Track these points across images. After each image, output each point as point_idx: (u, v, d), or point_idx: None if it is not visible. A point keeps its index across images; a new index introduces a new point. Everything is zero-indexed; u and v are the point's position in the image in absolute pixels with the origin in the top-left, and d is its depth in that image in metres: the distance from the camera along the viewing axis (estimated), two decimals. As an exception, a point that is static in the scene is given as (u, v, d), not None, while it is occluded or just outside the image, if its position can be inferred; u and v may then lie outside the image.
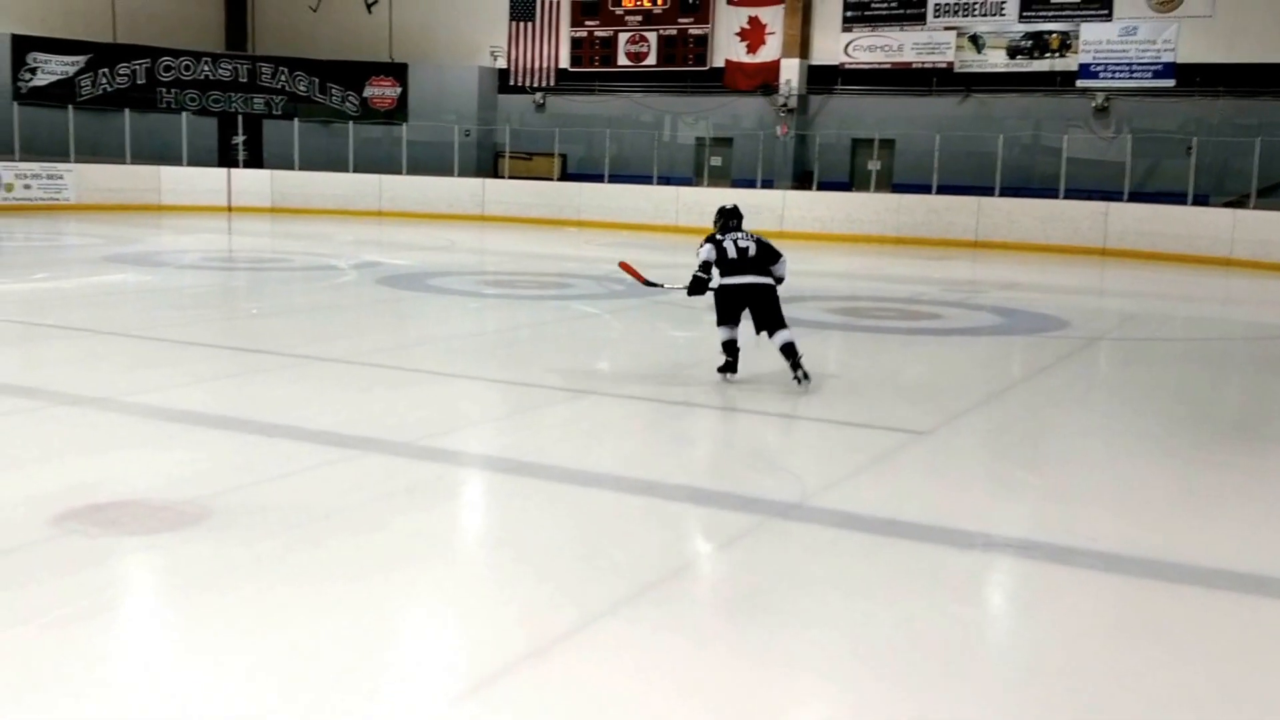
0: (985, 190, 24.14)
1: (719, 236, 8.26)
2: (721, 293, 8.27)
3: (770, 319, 8.20)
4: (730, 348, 8.33)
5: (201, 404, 7.20)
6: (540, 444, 6.57)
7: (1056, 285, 17.40)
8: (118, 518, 4.92)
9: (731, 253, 8.18)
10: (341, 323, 11.28)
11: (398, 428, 6.72)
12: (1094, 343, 11.54)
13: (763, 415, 7.59)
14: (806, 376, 8.05)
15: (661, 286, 9.45)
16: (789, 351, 8.06)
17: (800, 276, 17.95)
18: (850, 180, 26.72)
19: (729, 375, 8.33)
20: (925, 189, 24.67)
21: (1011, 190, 24.13)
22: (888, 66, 26.10)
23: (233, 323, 11.06)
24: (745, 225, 8.52)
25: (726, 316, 8.33)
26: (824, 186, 25.97)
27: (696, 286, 8.26)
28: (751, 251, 8.22)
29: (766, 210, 25.26)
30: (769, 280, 8.27)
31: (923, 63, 25.74)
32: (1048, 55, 24.66)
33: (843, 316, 12.54)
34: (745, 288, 8.19)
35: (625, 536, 4.97)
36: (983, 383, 9.04)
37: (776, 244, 8.63)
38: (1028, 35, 24.79)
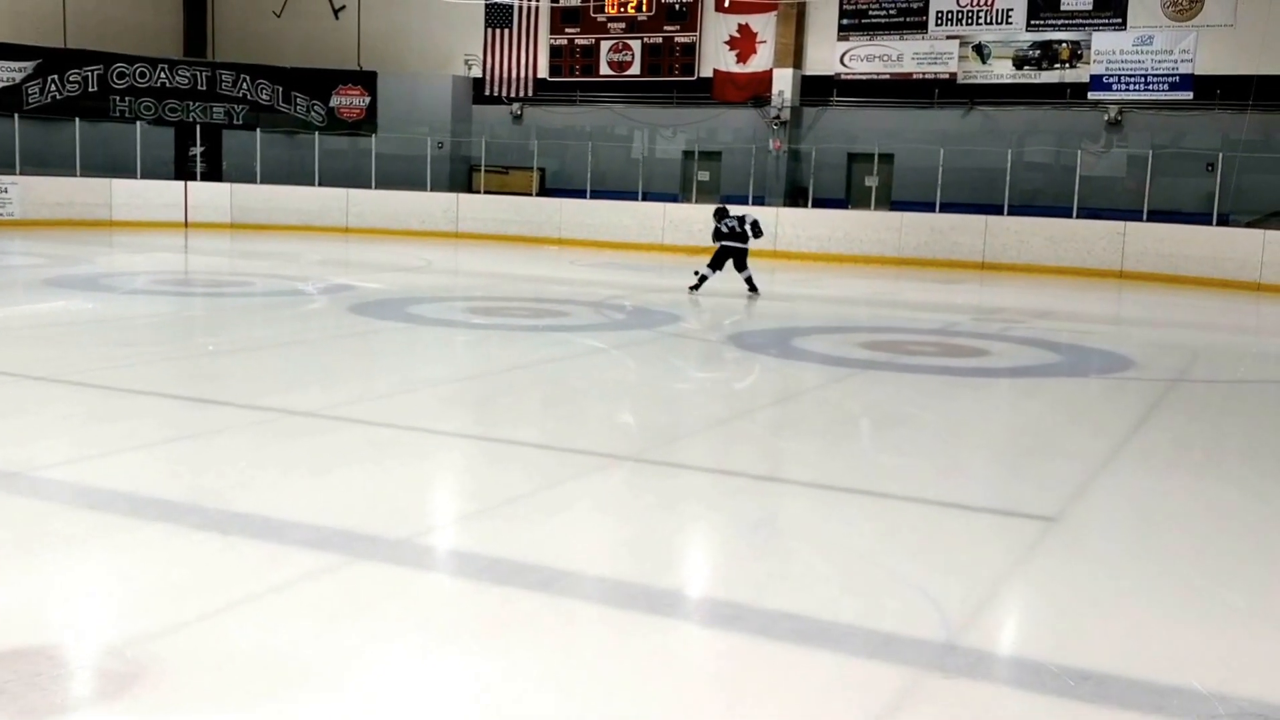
0: (992, 209, 22.82)
1: (718, 224, 15.64)
2: (721, 250, 15.60)
3: (741, 265, 15.59)
4: (704, 279, 15.46)
5: (142, 481, 5.64)
6: (583, 545, 5.03)
7: (1093, 314, 16.08)
8: (5, 685, 3.36)
9: (724, 229, 15.58)
10: (313, 363, 9.69)
11: (391, 519, 5.18)
12: (1176, 385, 10.16)
13: (851, 494, 6.08)
14: (755, 290, 15.50)
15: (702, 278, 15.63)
16: (750, 282, 15.54)
17: (814, 303, 16.68)
18: (847, 198, 25.33)
19: (694, 292, 15.48)
20: (926, 207, 23.33)
21: (1020, 209, 22.81)
22: (886, 77, 24.73)
23: (186, 363, 9.44)
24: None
25: (718, 264, 15.58)
26: (819, 204, 24.57)
27: (719, 244, 15.61)
28: (736, 228, 15.50)
29: (760, 228, 23.84)
30: (744, 245, 15.55)
31: (924, 74, 24.39)
32: (1057, 66, 23.37)
33: (882, 353, 11.10)
34: (731, 248, 15.57)
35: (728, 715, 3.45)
36: (1083, 440, 7.59)
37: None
38: (1036, 45, 23.49)
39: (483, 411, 7.95)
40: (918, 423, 8.05)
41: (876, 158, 24.41)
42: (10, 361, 8.95)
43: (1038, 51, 23.49)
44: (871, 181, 24.82)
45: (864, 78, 24.93)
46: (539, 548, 4.87)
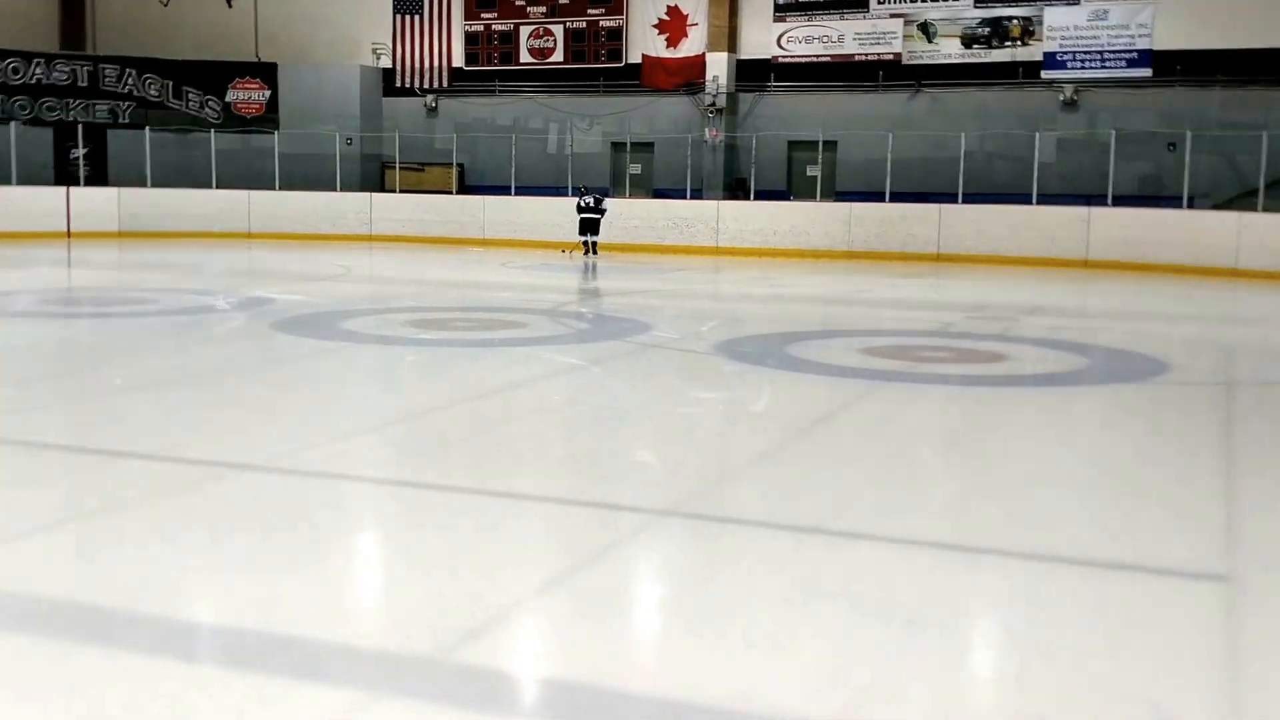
0: (946, 197, 21.57)
1: (578, 201, 20.77)
2: (581, 222, 20.56)
3: (595, 232, 20.67)
4: (587, 244, 20.59)
5: (12, 603, 3.83)
6: (694, 679, 3.37)
7: (1086, 308, 14.91)
8: None
9: (582, 205, 20.59)
10: (243, 397, 7.87)
11: (383, 635, 3.47)
12: (1232, 390, 8.92)
13: (975, 555, 4.49)
14: (595, 250, 20.61)
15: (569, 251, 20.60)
16: (596, 246, 20.63)
17: (783, 304, 15.14)
18: (788, 188, 23.91)
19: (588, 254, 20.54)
20: (874, 197, 22.02)
21: (975, 197, 21.59)
22: (827, 60, 23.36)
23: (88, 404, 7.53)
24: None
25: (581, 232, 20.68)
26: (760, 196, 23.12)
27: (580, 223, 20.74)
28: (591, 204, 20.57)
29: (699, 223, 22.38)
30: (598, 216, 20.60)
31: (866, 55, 23.07)
32: (1008, 44, 22.21)
33: (892, 361, 9.71)
34: (589, 219, 20.57)
35: None
36: (1182, 464, 6.23)
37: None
38: (984, 22, 22.31)
39: (463, 455, 6.26)
40: (987, 451, 6.65)
41: (821, 145, 23.00)
42: None
43: (987, 29, 22.33)
44: (814, 171, 23.43)
45: (803, 61, 23.55)
46: (602, 689, 3.19)
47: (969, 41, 22.44)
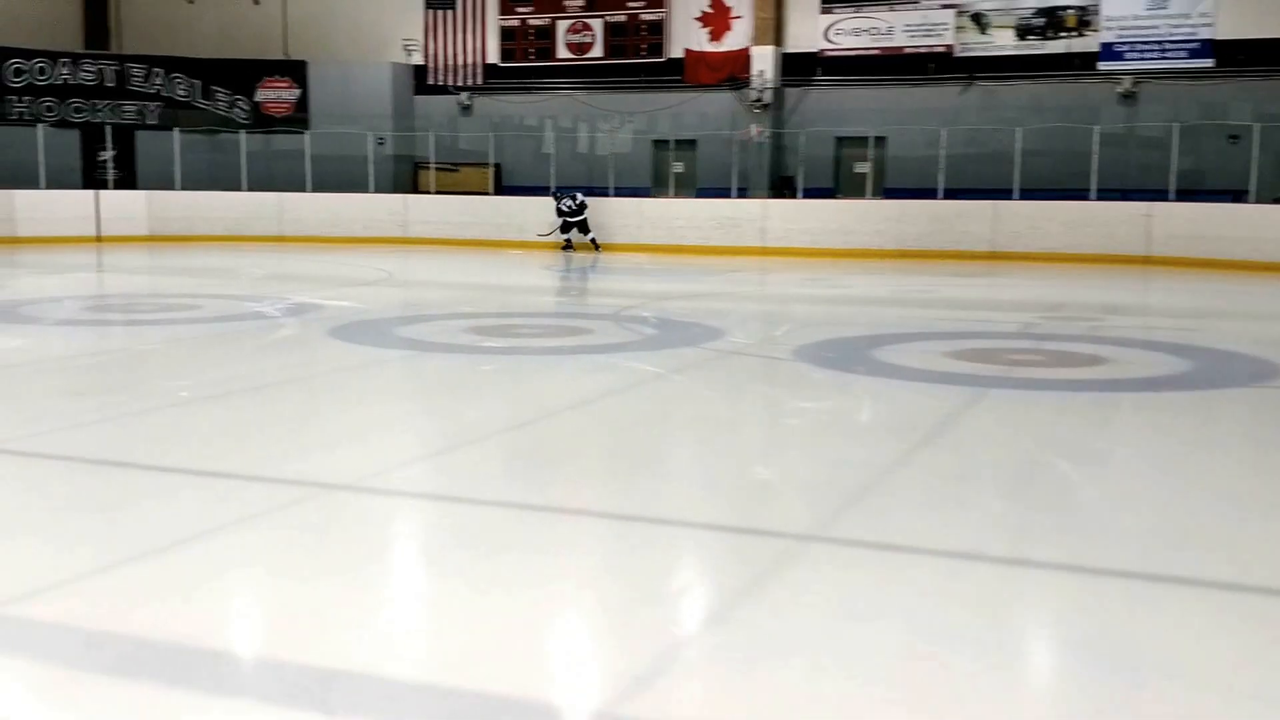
0: (1000, 194, 20.88)
1: (559, 204, 21.81)
2: (564, 224, 21.69)
3: (585, 230, 21.73)
4: (569, 243, 21.79)
5: (106, 645, 3.22)
6: None
7: (1168, 307, 14.25)
8: None
9: (564, 209, 21.71)
10: (315, 410, 7.28)
11: (532, 713, 2.86)
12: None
13: (1178, 586, 3.84)
14: (598, 247, 21.82)
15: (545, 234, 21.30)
16: (595, 241, 21.75)
17: (849, 307, 14.42)
18: (835, 185, 23.24)
19: (568, 249, 21.70)
20: (922, 193, 21.35)
21: (1030, 193, 20.90)
22: (876, 53, 22.66)
23: (155, 418, 6.92)
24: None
25: (566, 230, 21.74)
26: (806, 194, 22.44)
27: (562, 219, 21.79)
28: (573, 206, 21.70)
29: (745, 223, 21.73)
30: (582, 217, 21.60)
31: (917, 47, 22.37)
32: (1064, 35, 21.49)
33: (987, 366, 9.16)
34: (573, 222, 21.65)
35: None
36: None
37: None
38: (1040, 12, 21.58)
39: (574, 473, 5.66)
40: (1128, 464, 6.08)
41: (872, 141, 22.30)
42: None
43: (1042, 20, 21.60)
44: (863, 167, 22.75)
45: (851, 54, 22.86)
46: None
47: (1023, 32, 21.73)
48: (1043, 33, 21.61)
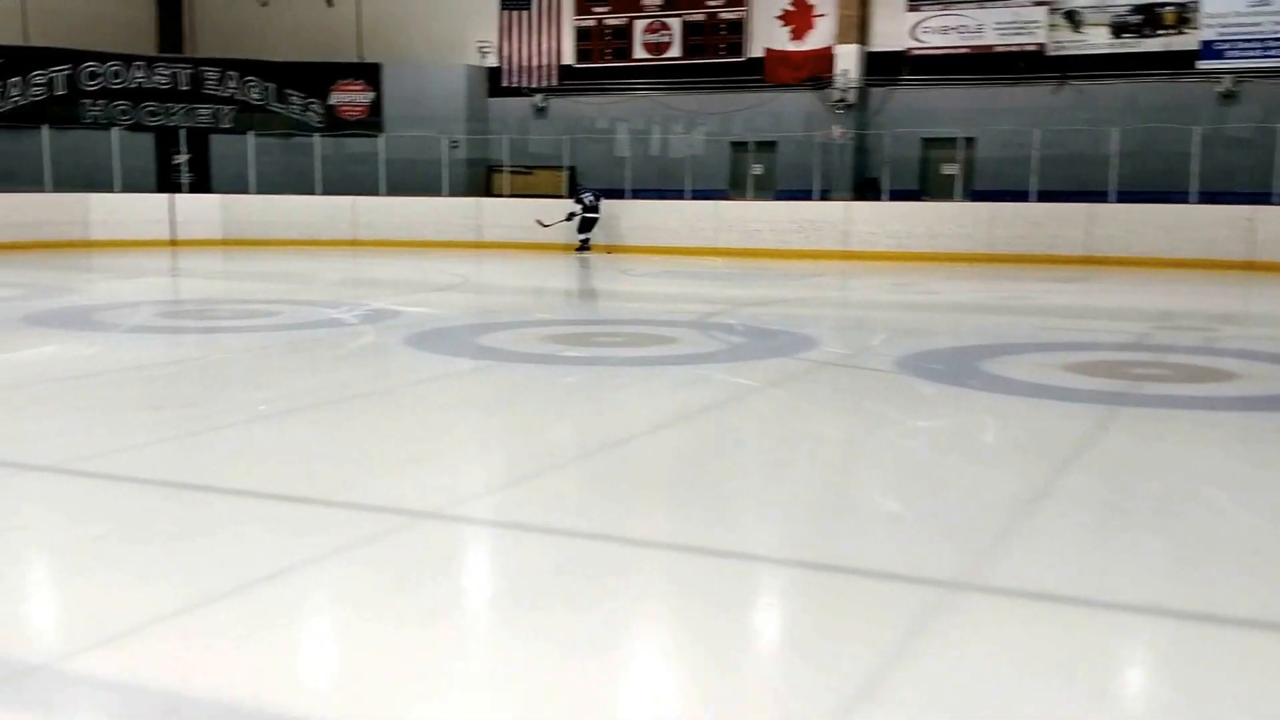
0: (1093, 196, 20.04)
1: (580, 199, 21.51)
2: (584, 220, 21.30)
3: (589, 230, 21.51)
4: (586, 243, 21.49)
5: (196, 712, 2.75)
6: None
7: (1276, 316, 13.40)
8: None
9: (586, 203, 21.42)
10: (399, 426, 6.80)
11: None
12: None
13: None
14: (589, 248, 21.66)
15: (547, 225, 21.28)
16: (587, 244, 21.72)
17: (949, 313, 13.69)
18: (921, 188, 22.50)
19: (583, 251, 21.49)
20: (1012, 196, 20.56)
21: (1124, 196, 20.04)
22: (965, 51, 21.91)
23: (235, 434, 6.48)
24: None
25: (585, 230, 21.39)
26: (892, 196, 21.73)
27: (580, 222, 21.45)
28: (592, 202, 21.42)
29: (827, 226, 21.09)
30: (597, 215, 21.39)
31: (1008, 46, 21.58)
32: (1161, 32, 20.60)
33: (1106, 380, 8.55)
34: (592, 219, 21.37)
35: None
36: None
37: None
38: (1136, 9, 20.71)
39: (679, 502, 5.10)
40: None
41: (961, 142, 21.52)
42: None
43: (1139, 17, 20.73)
44: (951, 169, 21.99)
45: (939, 52, 22.12)
46: None
47: (1119, 30, 20.87)
48: (1139, 30, 20.73)
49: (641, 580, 4.07)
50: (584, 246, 21.64)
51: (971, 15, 21.72)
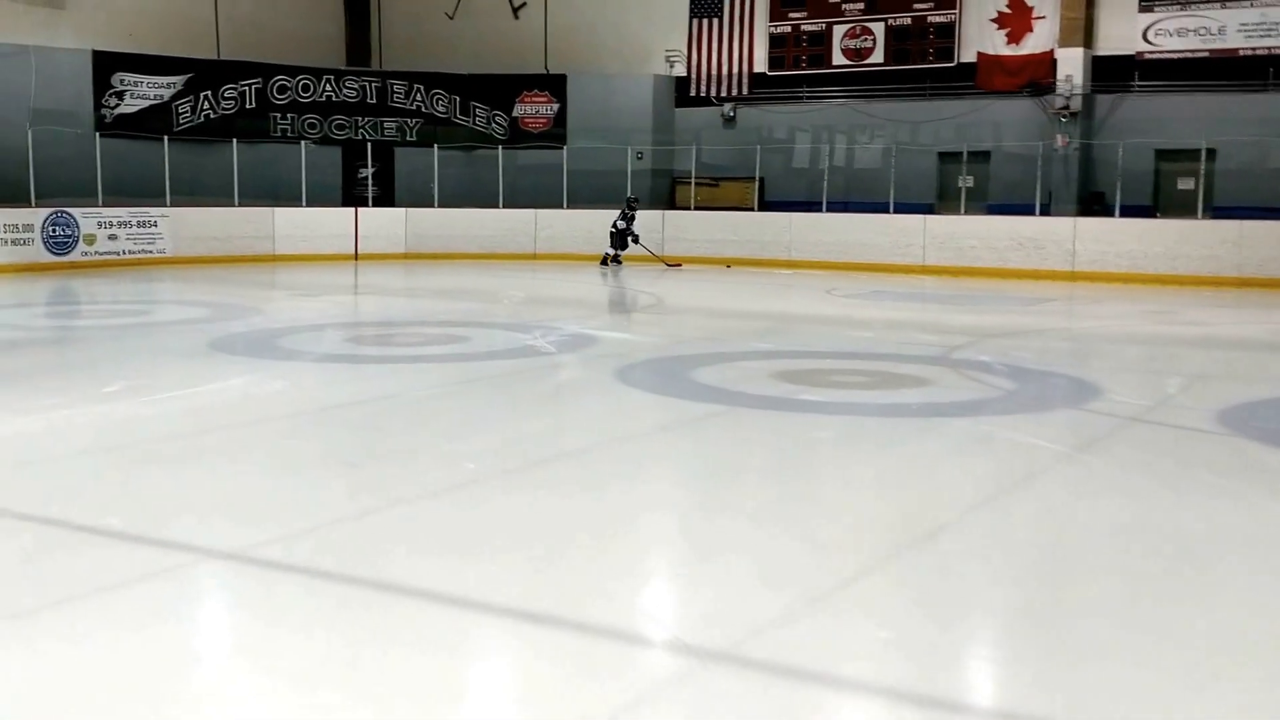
0: (1358, 213, 17.82)
1: (627, 212, 20.96)
2: (620, 235, 20.89)
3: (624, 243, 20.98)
4: (618, 257, 21.07)
5: None
6: None
7: None
8: None
9: (630, 216, 20.91)
10: (638, 497, 5.61)
11: None
12: None
13: None
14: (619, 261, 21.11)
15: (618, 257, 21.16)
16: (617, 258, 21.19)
17: (1239, 350, 11.72)
18: (1154, 203, 20.49)
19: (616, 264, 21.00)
20: (1261, 213, 18.43)
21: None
22: (1205, 55, 19.85)
23: (429, 507, 5.37)
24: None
25: (622, 245, 20.89)
26: (1122, 212, 19.77)
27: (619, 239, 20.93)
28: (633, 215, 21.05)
29: (1050, 244, 19.31)
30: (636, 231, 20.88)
31: (1254, 49, 19.46)
32: None
33: None
34: (633, 232, 20.91)
35: None
36: None
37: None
38: (1406, 5, 18.43)
39: (1036, 643, 3.76)
40: None
41: (1204, 154, 19.44)
42: (160, 504, 5.08)
43: None
44: (1188, 183, 19.94)
45: (1175, 56, 20.10)
46: None
47: (1384, 29, 18.58)
48: None
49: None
50: (616, 260, 21.20)
51: (1212, 16, 19.64)
